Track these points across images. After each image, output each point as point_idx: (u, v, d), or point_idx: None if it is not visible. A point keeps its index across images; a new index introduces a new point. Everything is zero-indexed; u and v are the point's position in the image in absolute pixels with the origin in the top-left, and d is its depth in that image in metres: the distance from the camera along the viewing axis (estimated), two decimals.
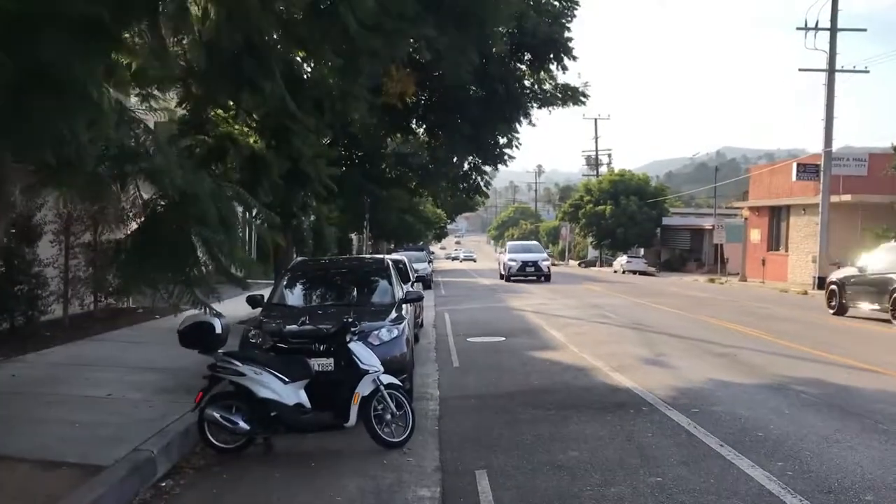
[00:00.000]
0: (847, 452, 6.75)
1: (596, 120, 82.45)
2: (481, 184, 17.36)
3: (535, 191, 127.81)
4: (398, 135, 18.34)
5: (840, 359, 12.09)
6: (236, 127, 9.65)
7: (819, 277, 34.06)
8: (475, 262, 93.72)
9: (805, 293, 31.82)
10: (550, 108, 16.61)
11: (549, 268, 38.05)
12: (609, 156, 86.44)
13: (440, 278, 41.08)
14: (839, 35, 34.65)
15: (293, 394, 7.15)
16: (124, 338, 13.19)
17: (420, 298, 10.54)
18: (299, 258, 12.17)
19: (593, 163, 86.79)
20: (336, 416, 7.18)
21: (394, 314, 9.28)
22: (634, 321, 17.62)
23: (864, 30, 36.56)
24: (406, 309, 10.02)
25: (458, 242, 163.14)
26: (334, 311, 9.34)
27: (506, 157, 17.18)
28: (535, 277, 37.55)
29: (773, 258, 41.45)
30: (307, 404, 7.21)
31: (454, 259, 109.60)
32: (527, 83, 16.22)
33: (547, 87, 16.27)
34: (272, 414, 6.98)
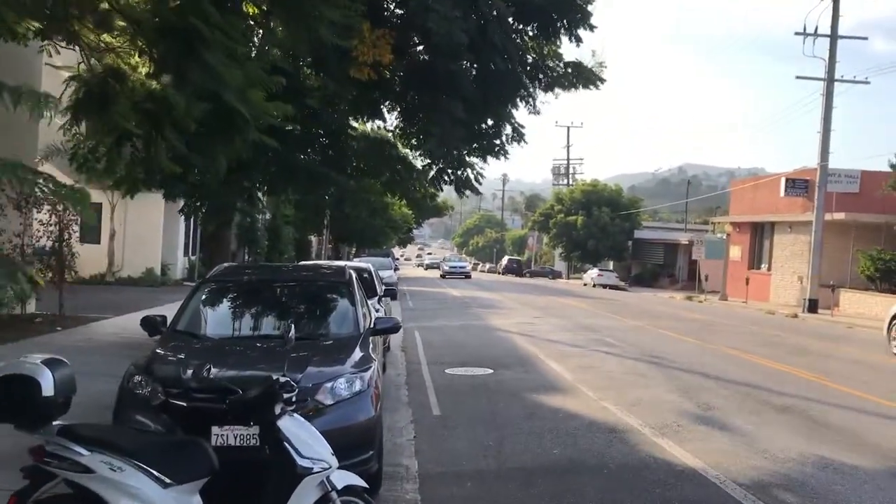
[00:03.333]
0: None
1: (569, 128, 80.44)
2: (471, 177, 14.26)
3: (502, 199, 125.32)
4: (366, 119, 15.15)
5: None
6: (116, 54, 6.39)
7: (810, 300, 31.89)
8: (470, 277, 59.03)
9: (795, 316, 29.58)
10: (556, 92, 13.63)
11: None
12: (574, 167, 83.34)
13: (405, 287, 37.90)
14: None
15: None
16: None
17: (395, 328, 7.45)
18: (225, 264, 8.90)
19: (560, 172, 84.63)
20: None
21: (357, 354, 6.17)
22: (646, 352, 14.70)
23: (865, 38, 34.61)
24: (374, 344, 6.93)
25: (421, 249, 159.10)
26: (270, 347, 6.22)
27: (505, 151, 14.09)
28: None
29: (755, 277, 39.24)
30: None
31: (430, 267, 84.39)
32: (529, 58, 13.26)
33: (552, 64, 13.31)
34: None
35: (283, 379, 4.26)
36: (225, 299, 7.17)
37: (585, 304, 29.36)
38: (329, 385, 5.60)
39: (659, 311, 27.35)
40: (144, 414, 5.48)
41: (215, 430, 5.23)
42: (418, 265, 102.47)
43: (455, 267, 61.93)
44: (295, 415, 4.36)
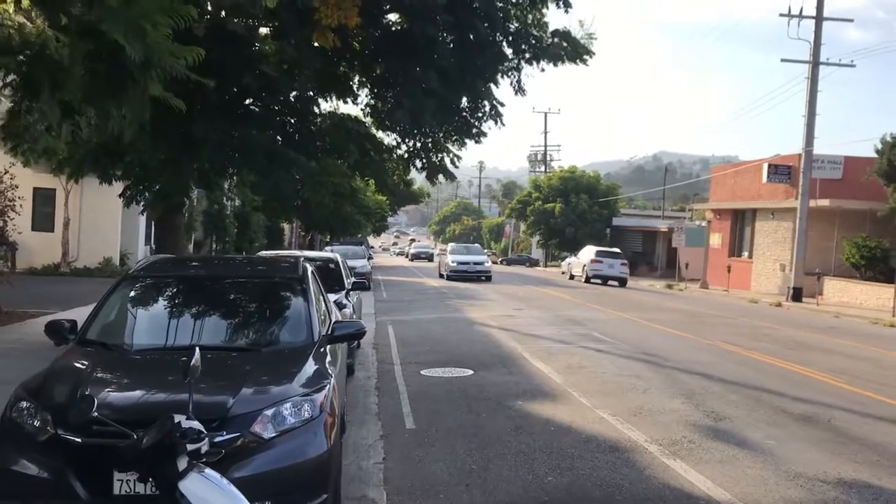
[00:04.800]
0: None
1: (546, 114, 79.31)
2: (447, 161, 13.04)
3: (479, 187, 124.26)
4: (334, 97, 13.75)
5: None
6: None
7: (794, 288, 31.18)
8: (489, 278, 35.47)
9: (779, 305, 28.82)
10: (542, 66, 12.40)
11: None
12: (551, 154, 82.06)
13: (380, 276, 36.60)
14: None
15: None
16: None
17: (358, 335, 6.20)
18: (155, 256, 7.58)
19: (537, 159, 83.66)
20: None
21: (309, 368, 4.94)
22: (639, 348, 13.58)
23: (851, 20, 33.82)
24: (333, 355, 5.68)
25: (397, 237, 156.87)
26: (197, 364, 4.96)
27: (483, 133, 12.86)
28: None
29: (735, 265, 38.52)
30: None
31: (417, 258, 70.22)
32: (512, 27, 12.02)
33: (538, 33, 12.08)
34: None
35: (186, 423, 3.04)
36: (149, 300, 5.87)
37: (566, 294, 28.30)
38: (270, 412, 4.38)
39: (641, 301, 26.36)
40: (28, 454, 4.23)
41: (119, 475, 4.00)
42: (398, 253, 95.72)
43: (466, 264, 35.57)
44: (206, 471, 3.13)
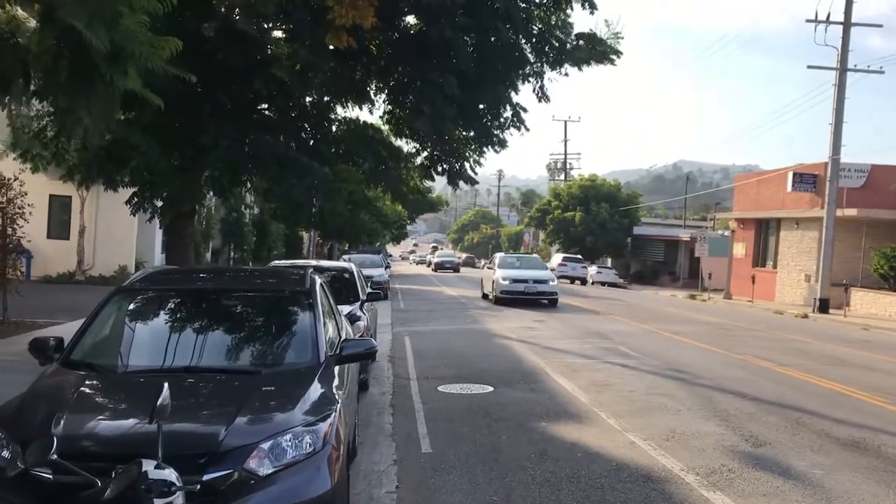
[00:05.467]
0: None
1: (566, 122, 78.77)
2: (467, 167, 12.58)
3: (498, 195, 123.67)
4: (348, 101, 13.29)
5: None
6: None
7: (821, 299, 30.31)
8: (555, 303, 26.34)
9: (806, 316, 28.01)
10: (565, 69, 11.89)
11: None
12: (570, 163, 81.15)
13: (397, 285, 36.15)
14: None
15: None
16: None
17: (369, 355, 5.73)
18: (155, 266, 7.17)
19: (556, 168, 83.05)
20: None
21: (313, 393, 4.46)
22: (667, 364, 12.97)
23: (880, 25, 32.95)
24: (342, 377, 5.19)
25: (416, 245, 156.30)
26: (188, 391, 4.47)
27: (503, 141, 12.36)
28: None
29: (760, 275, 37.68)
30: None
31: (441, 268, 63.71)
32: (535, 29, 11.54)
33: (562, 35, 11.58)
34: None
35: (155, 473, 2.56)
36: (142, 316, 5.42)
37: (588, 305, 27.65)
38: (267, 445, 3.89)
39: (666, 313, 25.65)
40: None
41: None
42: (418, 262, 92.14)
43: (523, 282, 26.07)
44: None
